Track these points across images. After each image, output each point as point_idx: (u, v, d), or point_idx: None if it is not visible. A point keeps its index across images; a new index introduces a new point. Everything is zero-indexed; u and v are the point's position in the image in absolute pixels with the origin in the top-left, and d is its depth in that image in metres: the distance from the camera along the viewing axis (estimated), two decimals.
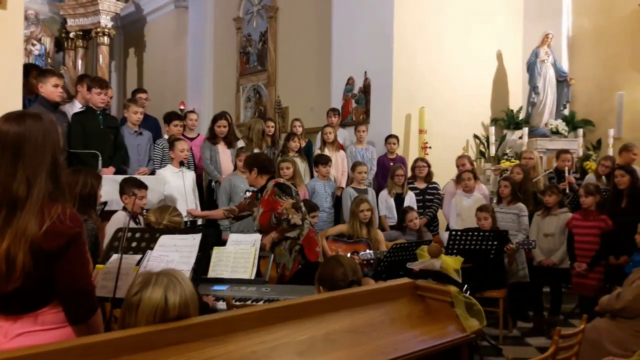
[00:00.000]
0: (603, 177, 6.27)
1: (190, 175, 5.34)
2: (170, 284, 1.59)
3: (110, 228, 3.60)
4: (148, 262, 2.36)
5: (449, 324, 1.95)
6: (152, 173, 5.47)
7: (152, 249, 2.49)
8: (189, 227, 4.47)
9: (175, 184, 5.13)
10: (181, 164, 5.20)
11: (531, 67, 8.17)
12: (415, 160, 6.47)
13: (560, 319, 5.36)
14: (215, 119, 6.06)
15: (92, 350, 1.47)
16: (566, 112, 8.30)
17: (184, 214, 5.07)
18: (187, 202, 5.16)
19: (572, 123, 8.20)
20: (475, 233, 4.71)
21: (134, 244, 2.58)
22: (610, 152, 7.31)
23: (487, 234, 4.72)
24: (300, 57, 9.39)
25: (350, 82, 7.91)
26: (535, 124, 8.17)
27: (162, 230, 2.75)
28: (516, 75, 8.77)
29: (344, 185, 6.41)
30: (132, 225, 3.77)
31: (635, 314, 3.39)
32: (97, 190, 3.29)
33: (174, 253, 2.37)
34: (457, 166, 6.45)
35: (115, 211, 4.00)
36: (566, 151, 6.79)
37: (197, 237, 2.42)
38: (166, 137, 5.94)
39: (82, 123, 5.09)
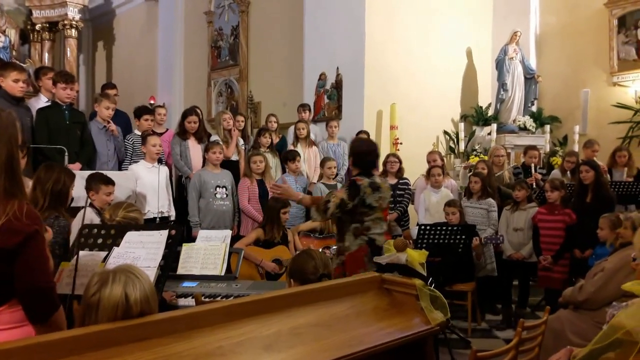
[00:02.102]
0: (568, 172, 6.42)
1: (164, 171, 5.29)
2: (128, 280, 1.57)
3: (76, 225, 3.54)
4: (114, 259, 2.33)
5: (414, 317, 1.98)
6: (120, 167, 5.41)
7: (118, 245, 2.45)
8: (158, 224, 4.42)
9: (148, 180, 5.07)
10: (159, 161, 5.13)
11: (500, 64, 8.31)
12: (387, 156, 6.52)
13: (527, 311, 5.49)
14: (185, 115, 5.99)
15: (54, 348, 1.44)
16: (534, 108, 8.48)
17: (157, 209, 5.04)
18: (160, 198, 5.11)
19: (540, 119, 8.38)
20: (444, 228, 4.79)
21: (99, 241, 2.54)
22: (576, 148, 7.49)
23: (455, 228, 4.79)
24: (272, 52, 9.36)
25: (322, 77, 7.92)
26: (503, 120, 8.33)
27: (128, 226, 2.71)
28: (485, 72, 8.91)
29: (315, 181, 6.41)
30: (98, 220, 3.72)
31: (597, 306, 3.50)
32: (69, 188, 3.28)
33: (140, 249, 2.34)
34: (429, 161, 6.52)
35: (83, 207, 3.93)
36: (533, 147, 6.93)
37: (163, 234, 2.40)
38: (137, 132, 5.86)
39: (48, 118, 4.99)
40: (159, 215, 5.09)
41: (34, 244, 1.70)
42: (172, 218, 5.24)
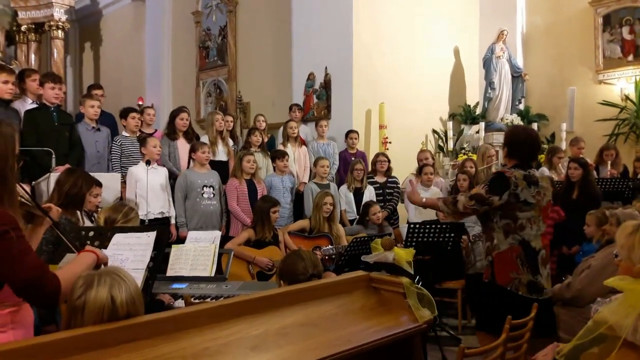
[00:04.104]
0: (559, 166, 6.46)
1: (162, 172, 5.27)
2: (114, 282, 1.57)
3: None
4: None
5: (401, 315, 1.99)
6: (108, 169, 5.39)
7: (106, 247, 2.44)
8: (145, 226, 4.40)
9: (146, 182, 5.02)
10: (148, 162, 5.08)
11: (487, 63, 8.37)
12: (377, 155, 6.55)
13: None
14: (175, 114, 5.98)
15: (40, 351, 1.44)
16: (521, 106, 8.55)
17: (157, 210, 5.02)
18: (160, 198, 5.11)
19: (527, 117, 8.45)
20: (433, 225, 4.80)
21: (87, 243, 2.53)
22: (564, 146, 7.56)
23: (444, 226, 4.81)
24: (261, 52, 9.35)
25: (311, 77, 7.92)
26: (491, 118, 8.38)
27: (116, 228, 2.70)
28: (473, 71, 8.97)
29: (306, 180, 6.42)
30: (88, 223, 3.72)
31: (584, 303, 3.53)
32: (85, 193, 3.45)
33: (128, 252, 2.33)
34: (420, 160, 6.54)
35: None
36: None
37: (151, 235, 2.39)
38: (125, 133, 5.82)
39: (36, 120, 4.96)
40: (160, 216, 5.08)
41: (5, 244, 1.72)
42: (173, 218, 5.21)
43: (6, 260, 1.72)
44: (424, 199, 3.52)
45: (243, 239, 4.74)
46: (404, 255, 2.13)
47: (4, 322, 1.73)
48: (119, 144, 5.56)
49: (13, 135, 1.87)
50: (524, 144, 3.28)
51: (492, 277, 3.18)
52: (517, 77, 8.43)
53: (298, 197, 6.09)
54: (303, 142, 6.82)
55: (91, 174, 4.29)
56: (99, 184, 3.98)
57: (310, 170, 6.51)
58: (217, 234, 3.93)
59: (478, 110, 8.66)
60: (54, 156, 4.64)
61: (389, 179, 6.33)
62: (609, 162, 6.36)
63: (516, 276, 3.10)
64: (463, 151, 8.00)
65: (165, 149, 5.77)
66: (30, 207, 2.04)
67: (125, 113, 5.94)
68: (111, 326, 1.54)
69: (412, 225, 4.85)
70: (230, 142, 6.33)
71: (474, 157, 6.90)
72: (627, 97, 7.86)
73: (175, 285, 3.41)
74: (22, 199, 1.97)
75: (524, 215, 3.12)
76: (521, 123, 8.30)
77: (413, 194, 3.50)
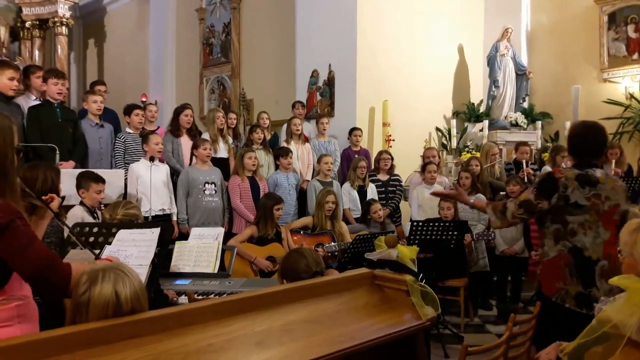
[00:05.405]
0: (562, 164, 6.44)
1: (164, 169, 5.27)
2: (118, 278, 1.57)
3: (68, 223, 3.53)
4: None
5: (405, 312, 1.99)
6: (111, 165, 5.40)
7: (110, 243, 2.45)
8: (150, 222, 4.40)
9: (149, 178, 5.02)
10: (151, 159, 5.07)
11: (491, 61, 8.35)
12: (380, 153, 6.54)
13: (520, 306, 5.52)
14: (179, 111, 5.98)
15: (45, 346, 1.44)
16: (525, 104, 8.53)
17: (159, 207, 5.02)
18: (162, 195, 5.11)
19: (531, 115, 8.43)
20: (436, 223, 4.79)
21: (91, 239, 2.53)
22: None
23: (447, 224, 4.81)
24: (265, 49, 9.35)
25: (314, 74, 7.92)
26: (495, 116, 8.37)
27: (120, 224, 2.71)
28: (477, 69, 8.95)
29: (309, 178, 6.42)
30: (90, 219, 3.72)
31: None
32: (57, 185, 3.20)
33: (132, 247, 2.33)
34: (428, 157, 6.53)
35: (73, 206, 3.93)
36: (525, 143, 6.96)
37: (155, 231, 2.39)
38: (128, 130, 5.83)
39: (39, 116, 4.97)
40: (161, 213, 5.08)
41: (12, 233, 1.72)
42: (175, 215, 5.22)
43: (15, 249, 1.72)
44: (472, 200, 3.31)
45: (246, 235, 4.75)
46: (407, 252, 2.13)
47: (10, 315, 1.73)
48: (123, 140, 5.56)
49: (11, 127, 1.85)
50: (578, 139, 2.95)
51: (539, 287, 2.93)
52: (522, 75, 8.41)
53: (301, 195, 6.09)
54: (306, 140, 6.82)
55: (94, 170, 4.33)
56: (102, 181, 3.98)
57: (313, 168, 6.51)
58: (221, 231, 3.94)
59: (482, 108, 8.65)
60: (57, 152, 4.65)
61: (392, 177, 6.33)
62: (613, 161, 6.33)
63: (563, 287, 2.78)
64: (467, 149, 7.99)
65: (169, 146, 5.78)
66: (32, 199, 2.04)
67: (129, 110, 5.94)
68: (115, 322, 1.54)
69: (415, 223, 4.85)
70: (230, 140, 6.33)
71: (478, 155, 6.89)
72: (631, 96, 7.83)
73: (179, 282, 3.42)
74: (25, 191, 1.97)
75: (575, 220, 2.79)
76: (525, 121, 8.29)
77: (461, 194, 3.31)
